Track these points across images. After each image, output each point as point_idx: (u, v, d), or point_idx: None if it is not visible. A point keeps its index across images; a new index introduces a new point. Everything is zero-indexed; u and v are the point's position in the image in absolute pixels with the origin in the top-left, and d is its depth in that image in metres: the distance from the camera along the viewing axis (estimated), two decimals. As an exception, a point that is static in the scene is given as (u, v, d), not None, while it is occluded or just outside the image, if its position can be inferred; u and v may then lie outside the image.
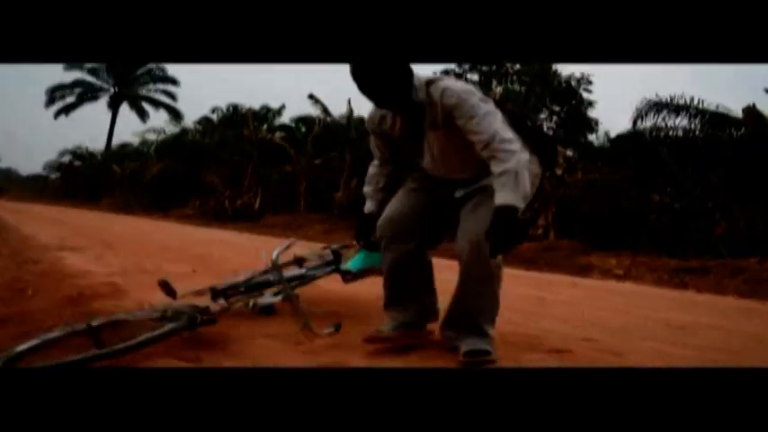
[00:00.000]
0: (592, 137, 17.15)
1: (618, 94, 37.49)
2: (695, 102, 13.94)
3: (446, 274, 3.42)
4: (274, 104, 26.55)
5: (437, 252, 3.44)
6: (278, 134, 24.29)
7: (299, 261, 4.27)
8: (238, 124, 25.96)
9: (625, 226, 12.89)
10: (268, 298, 3.43)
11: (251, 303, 3.31)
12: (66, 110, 40.02)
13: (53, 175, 41.73)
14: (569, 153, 15.73)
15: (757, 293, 8.63)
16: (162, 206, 25.23)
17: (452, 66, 18.69)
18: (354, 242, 3.64)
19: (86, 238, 10.73)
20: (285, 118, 25.88)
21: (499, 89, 16.61)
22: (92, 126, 56.94)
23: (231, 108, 28.45)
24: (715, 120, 13.91)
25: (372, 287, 3.77)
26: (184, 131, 30.43)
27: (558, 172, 13.82)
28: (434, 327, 3.34)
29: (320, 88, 30.87)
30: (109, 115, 40.29)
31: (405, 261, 3.19)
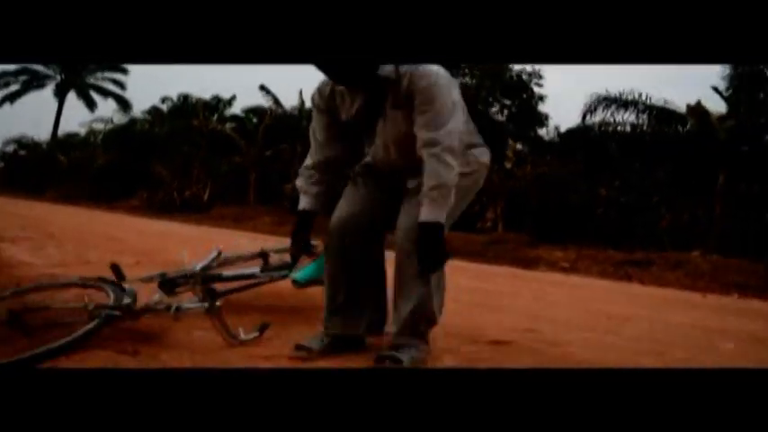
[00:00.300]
0: (542, 131, 17.32)
1: (569, 88, 37.93)
2: (643, 97, 14.21)
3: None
4: (225, 95, 26.24)
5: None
6: (228, 125, 24.02)
7: (264, 255, 4.11)
8: (188, 115, 25.59)
9: (572, 219, 13.07)
10: (189, 304, 3.28)
11: (173, 308, 3.16)
12: (11, 98, 38.99)
13: (-4, 165, 40.71)
14: (519, 147, 15.87)
15: (697, 286, 8.83)
16: (109, 197, 24.76)
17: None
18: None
19: (28, 229, 10.46)
20: (236, 109, 25.64)
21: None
22: (37, 115, 55.57)
23: (181, 98, 28.04)
24: (662, 115, 14.19)
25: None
26: (133, 121, 29.89)
27: (508, 165, 13.95)
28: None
29: (271, 79, 30.61)
30: (55, 104, 39.37)
31: (356, 266, 2.96)
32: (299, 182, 3.04)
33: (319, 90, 2.95)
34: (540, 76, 17.41)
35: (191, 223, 16.36)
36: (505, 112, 17.30)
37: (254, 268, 3.91)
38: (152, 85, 48.65)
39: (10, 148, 37.74)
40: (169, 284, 3.58)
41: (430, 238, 2.61)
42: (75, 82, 38.91)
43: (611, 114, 14.33)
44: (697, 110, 12.25)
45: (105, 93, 38.53)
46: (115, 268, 3.41)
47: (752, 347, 4.00)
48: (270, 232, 13.82)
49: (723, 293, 8.31)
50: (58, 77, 38.86)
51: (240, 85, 40.03)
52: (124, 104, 35.30)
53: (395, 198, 2.89)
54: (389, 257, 2.95)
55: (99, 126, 30.95)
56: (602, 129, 14.51)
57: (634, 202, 12.79)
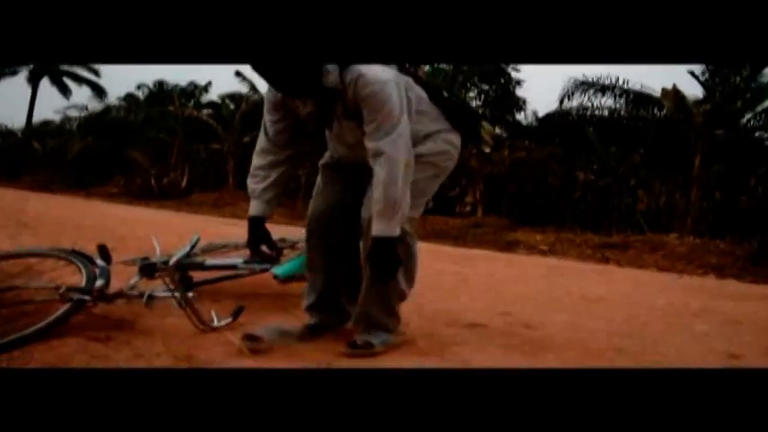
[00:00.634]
0: (520, 116, 17.38)
1: (546, 72, 38.00)
2: (620, 82, 14.30)
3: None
4: (202, 81, 26.07)
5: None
6: (205, 111, 23.86)
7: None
8: (164, 101, 25.38)
9: (551, 203, 13.14)
10: (161, 293, 3.22)
11: (145, 295, 3.11)
12: (-17, 85, 38.41)
13: (-31, 153, 40.10)
14: (498, 131, 15.92)
15: (675, 267, 8.92)
16: (85, 185, 24.53)
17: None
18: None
19: (1, 217, 10.32)
20: (213, 95, 25.46)
21: (427, 68, 16.62)
22: (10, 102, 54.77)
23: (157, 85, 27.79)
24: (639, 100, 14.29)
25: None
26: (108, 108, 29.61)
27: (487, 150, 13.94)
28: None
29: (248, 66, 30.34)
30: (29, 91, 38.79)
31: (335, 256, 2.94)
32: (250, 185, 2.90)
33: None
34: (517, 61, 17.47)
35: (169, 209, 16.23)
36: (483, 97, 17.38)
37: (238, 259, 3.86)
38: (127, 71, 48.15)
39: (-17, 137, 37.25)
40: (149, 269, 3.53)
41: (383, 252, 2.59)
42: (48, 69, 38.36)
43: (589, 99, 14.45)
44: (673, 94, 12.31)
45: (80, 79, 38.04)
46: (102, 249, 3.34)
47: (725, 328, 4.03)
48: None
49: (700, 275, 8.40)
50: (30, 64, 38.26)
51: (216, 70, 39.77)
52: (99, 91, 34.90)
53: (365, 186, 2.80)
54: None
55: (74, 113, 30.66)
56: (580, 113, 14.61)
57: (611, 184, 12.86)
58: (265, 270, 3.74)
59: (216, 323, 3.06)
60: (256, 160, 2.88)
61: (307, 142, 2.99)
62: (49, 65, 34.47)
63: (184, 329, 3.02)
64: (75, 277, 3.07)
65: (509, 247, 10.42)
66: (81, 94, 39.25)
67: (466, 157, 12.84)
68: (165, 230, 8.92)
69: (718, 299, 5.58)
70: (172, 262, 3.18)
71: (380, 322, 2.82)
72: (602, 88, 14.39)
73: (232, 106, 22.76)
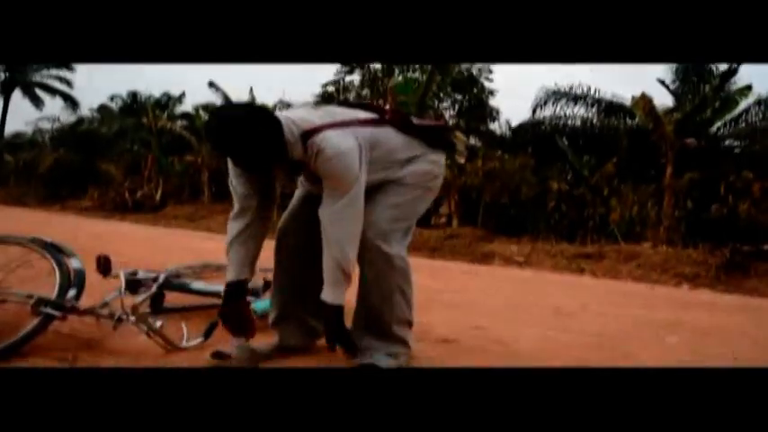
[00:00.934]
0: (494, 126, 17.45)
1: (518, 82, 38.31)
2: (592, 91, 14.43)
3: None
4: (176, 92, 25.93)
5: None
6: (179, 123, 23.68)
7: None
8: (138, 112, 25.18)
9: (525, 213, 13.18)
10: (130, 317, 3.14)
11: (115, 317, 3.05)
12: (-48, 96, 37.86)
13: (-61, 166, 39.48)
14: (472, 141, 15.95)
15: (649, 277, 8.98)
16: (58, 198, 24.25)
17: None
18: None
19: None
20: (187, 106, 25.32)
21: (400, 78, 16.67)
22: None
23: (131, 96, 27.58)
24: (611, 109, 14.42)
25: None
26: (80, 120, 29.32)
27: (461, 161, 13.96)
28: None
29: (220, 76, 30.29)
30: (0, 102, 38.33)
31: (300, 275, 2.97)
32: (233, 250, 2.82)
33: None
34: (490, 71, 17.59)
35: (144, 223, 16.09)
36: (456, 107, 17.45)
37: (222, 286, 3.82)
38: (100, 82, 47.78)
39: (-47, 149, 36.72)
40: (134, 285, 3.49)
41: (332, 320, 2.63)
42: (20, 80, 37.94)
43: (561, 108, 14.56)
44: (643, 102, 12.42)
45: (52, 91, 37.66)
46: (104, 261, 3.25)
47: (696, 340, 4.05)
48: (224, 231, 13.64)
49: (674, 284, 8.47)
50: (2, 75, 37.84)
51: (191, 81, 39.57)
52: (72, 103, 34.58)
53: None
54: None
55: (46, 125, 30.33)
56: (553, 123, 14.71)
57: (585, 194, 12.94)
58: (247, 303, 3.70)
59: (186, 343, 3.03)
60: (232, 227, 2.83)
61: (275, 189, 2.97)
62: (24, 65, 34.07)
63: (154, 350, 2.99)
64: (49, 279, 3.00)
65: (485, 258, 10.43)
66: (54, 106, 38.79)
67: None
68: (137, 245, 8.84)
69: (690, 310, 5.62)
70: (161, 279, 3.14)
71: (393, 332, 2.84)
72: (575, 98, 14.52)
73: (206, 117, 22.63)
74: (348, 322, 2.76)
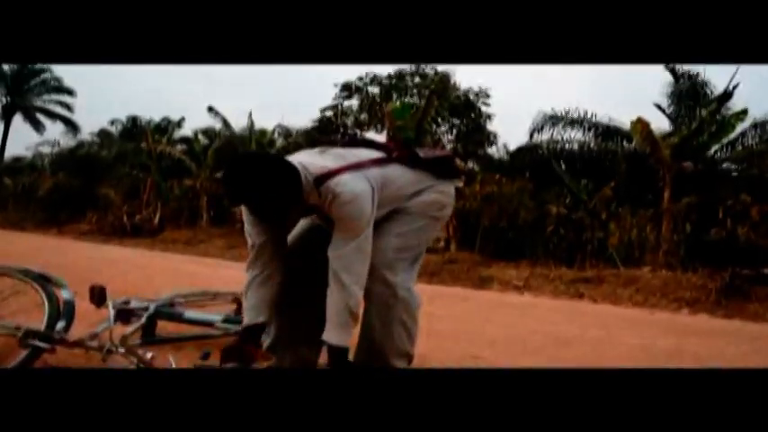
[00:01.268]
0: (491, 150, 17.50)
1: (516, 107, 38.51)
2: (589, 115, 14.46)
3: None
4: (176, 116, 26.04)
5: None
6: (178, 147, 23.73)
7: (238, 303, 3.92)
8: (138, 137, 25.25)
9: (524, 237, 13.14)
10: (120, 349, 3.07)
11: (105, 349, 3.00)
12: (-45, 120, 37.95)
13: (-61, 190, 39.49)
14: (470, 165, 15.98)
15: (649, 302, 8.92)
16: (57, 222, 24.23)
17: (355, 78, 18.78)
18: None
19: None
20: (187, 130, 25.39)
21: (398, 102, 16.72)
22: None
23: (130, 120, 27.68)
24: (608, 133, 14.45)
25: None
26: (80, 144, 29.40)
27: (459, 185, 13.96)
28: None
29: (220, 100, 30.43)
30: (0, 126, 38.43)
31: (294, 304, 2.93)
32: (244, 290, 2.82)
33: None
34: (488, 95, 17.69)
35: (142, 248, 16.03)
36: (454, 131, 17.52)
37: (217, 316, 3.77)
38: (101, 107, 47.95)
39: (-47, 173, 36.74)
40: (125, 315, 3.44)
41: (338, 362, 2.63)
42: (20, 104, 38.09)
43: (558, 132, 14.58)
44: (640, 127, 12.44)
45: (53, 115, 37.79)
46: (98, 292, 3.20)
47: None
48: (222, 256, 13.69)
49: (673, 309, 8.41)
50: (4, 100, 37.98)
51: (192, 106, 39.75)
52: (72, 127, 34.68)
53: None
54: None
55: (46, 149, 30.41)
56: (550, 146, 14.73)
57: (584, 218, 12.92)
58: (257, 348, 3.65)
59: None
60: (249, 273, 2.80)
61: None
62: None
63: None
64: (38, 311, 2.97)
65: (483, 283, 10.39)
66: (55, 130, 38.74)
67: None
68: (132, 271, 8.79)
69: (689, 337, 5.57)
70: (151, 310, 3.10)
71: (393, 364, 2.83)
72: (571, 122, 14.55)
73: (206, 141, 22.66)
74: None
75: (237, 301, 3.91)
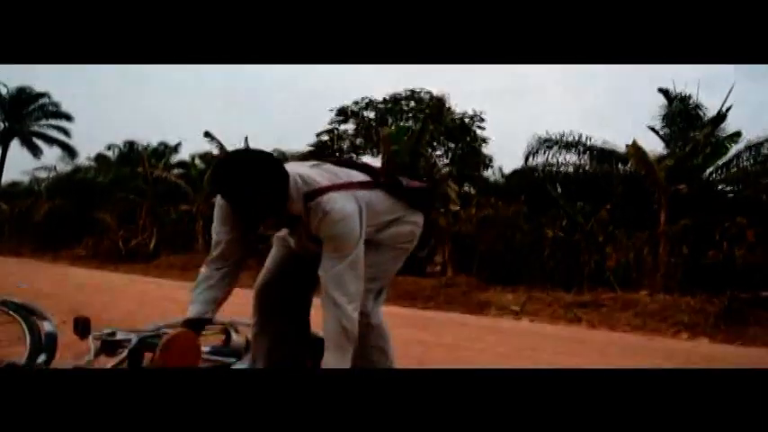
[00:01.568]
0: (487, 173, 17.54)
1: (511, 130, 38.72)
2: (583, 138, 14.49)
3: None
4: (174, 141, 26.10)
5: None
6: (175, 171, 23.78)
7: (227, 333, 3.86)
8: (134, 162, 25.29)
9: (521, 261, 13.11)
10: None
11: None
12: (-49, 145, 37.93)
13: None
14: (466, 188, 15.99)
15: (647, 326, 8.87)
16: (53, 247, 24.18)
17: (351, 102, 18.84)
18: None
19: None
20: (184, 154, 25.44)
21: (393, 126, 16.77)
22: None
23: (127, 145, 27.73)
24: (603, 156, 14.46)
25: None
26: (77, 169, 29.42)
27: (455, 208, 13.96)
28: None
29: (216, 125, 30.49)
30: (-2, 151, 38.43)
31: (280, 331, 2.91)
32: (196, 284, 2.73)
33: None
34: (482, 119, 17.77)
35: (137, 273, 15.97)
36: (450, 155, 17.59)
37: (205, 347, 3.70)
38: (98, 132, 48.02)
39: (-50, 197, 36.67)
40: (110, 346, 3.38)
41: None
42: (18, 129, 38.14)
43: (554, 155, 14.60)
44: (635, 150, 12.48)
45: (50, 140, 37.82)
46: (82, 324, 3.13)
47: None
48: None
49: (672, 334, 8.37)
50: (1, 125, 38.02)
51: (188, 130, 39.84)
52: (70, 152, 34.71)
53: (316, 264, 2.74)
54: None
55: (42, 174, 30.42)
56: (546, 169, 14.74)
57: (580, 241, 12.90)
58: (229, 364, 3.59)
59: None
60: (206, 270, 2.72)
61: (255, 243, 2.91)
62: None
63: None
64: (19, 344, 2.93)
65: (480, 307, 10.34)
66: (52, 155, 38.65)
67: (434, 217, 12.84)
68: (124, 298, 8.74)
69: (688, 364, 5.52)
70: (133, 342, 3.04)
71: None
72: (566, 145, 14.56)
73: (203, 166, 22.68)
74: None
75: (226, 331, 3.84)
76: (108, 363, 3.07)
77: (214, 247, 2.72)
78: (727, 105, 12.75)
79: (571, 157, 14.60)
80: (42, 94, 35.74)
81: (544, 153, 14.63)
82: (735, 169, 13.61)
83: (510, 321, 8.83)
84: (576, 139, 14.42)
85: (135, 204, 22.98)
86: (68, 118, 37.08)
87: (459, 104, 18.22)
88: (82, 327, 3.11)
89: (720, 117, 12.88)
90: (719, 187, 14.04)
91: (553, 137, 14.54)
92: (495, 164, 17.62)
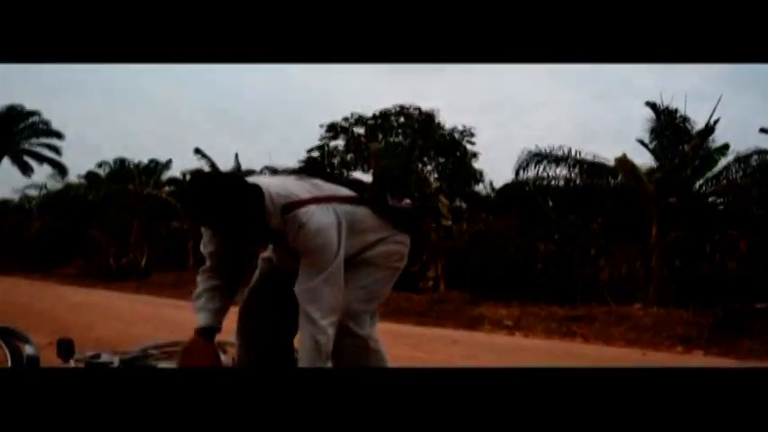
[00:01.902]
0: (478, 187, 17.58)
1: (501, 145, 38.85)
2: (573, 152, 14.51)
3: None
4: (164, 158, 26.08)
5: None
6: (166, 189, 23.76)
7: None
8: (125, 179, 25.26)
9: (513, 275, 13.10)
10: None
11: None
12: (-59, 163, 37.77)
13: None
14: (457, 203, 16.00)
15: (641, 340, 8.85)
16: (43, 265, 24.05)
17: (340, 119, 18.84)
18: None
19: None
20: (175, 171, 25.42)
21: (383, 143, 16.80)
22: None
23: (118, 162, 27.69)
24: (593, 169, 14.49)
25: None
26: (68, 187, 29.35)
27: (447, 223, 13.95)
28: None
29: (206, 143, 30.47)
30: (-13, 170, 38.28)
31: (264, 349, 2.86)
32: (198, 293, 2.73)
33: None
34: (472, 134, 17.83)
35: (128, 291, 15.88)
36: (440, 169, 17.63)
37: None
38: (88, 149, 47.92)
39: (-61, 216, 36.45)
40: (96, 368, 3.32)
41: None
42: (8, 147, 38.02)
43: (544, 169, 14.62)
44: (624, 163, 12.51)
45: (41, 158, 37.71)
46: (65, 345, 3.08)
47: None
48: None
49: (667, 347, 8.35)
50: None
51: (179, 147, 39.84)
52: (60, 169, 34.61)
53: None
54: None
55: (33, 192, 30.33)
56: (537, 183, 14.76)
57: (573, 255, 12.91)
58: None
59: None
60: (204, 278, 2.74)
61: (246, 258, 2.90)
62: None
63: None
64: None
65: (473, 323, 10.30)
66: (43, 173, 38.48)
67: (426, 232, 12.83)
68: (113, 317, 8.66)
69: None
70: (114, 364, 2.99)
71: None
72: (557, 159, 14.58)
73: (193, 183, 22.66)
74: None
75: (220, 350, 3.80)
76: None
77: (208, 259, 2.74)
78: (714, 118, 12.82)
79: (561, 171, 14.62)
80: (33, 113, 35.60)
81: (534, 167, 14.65)
82: (724, 181, 13.66)
83: (504, 337, 8.79)
84: (566, 153, 14.44)
85: (126, 222, 22.90)
86: (59, 136, 36.99)
87: (449, 120, 18.28)
88: (65, 349, 3.05)
89: (708, 130, 12.92)
90: (710, 200, 14.08)
91: (543, 151, 14.56)
92: (486, 178, 17.69)
